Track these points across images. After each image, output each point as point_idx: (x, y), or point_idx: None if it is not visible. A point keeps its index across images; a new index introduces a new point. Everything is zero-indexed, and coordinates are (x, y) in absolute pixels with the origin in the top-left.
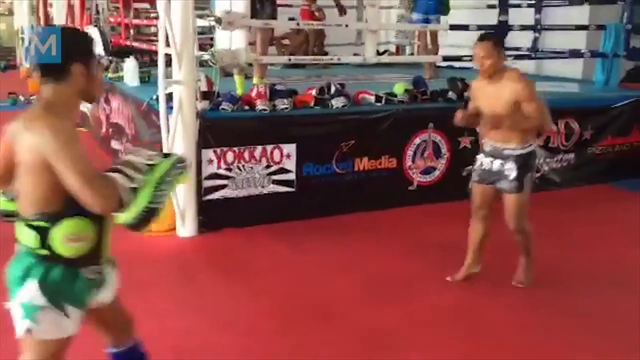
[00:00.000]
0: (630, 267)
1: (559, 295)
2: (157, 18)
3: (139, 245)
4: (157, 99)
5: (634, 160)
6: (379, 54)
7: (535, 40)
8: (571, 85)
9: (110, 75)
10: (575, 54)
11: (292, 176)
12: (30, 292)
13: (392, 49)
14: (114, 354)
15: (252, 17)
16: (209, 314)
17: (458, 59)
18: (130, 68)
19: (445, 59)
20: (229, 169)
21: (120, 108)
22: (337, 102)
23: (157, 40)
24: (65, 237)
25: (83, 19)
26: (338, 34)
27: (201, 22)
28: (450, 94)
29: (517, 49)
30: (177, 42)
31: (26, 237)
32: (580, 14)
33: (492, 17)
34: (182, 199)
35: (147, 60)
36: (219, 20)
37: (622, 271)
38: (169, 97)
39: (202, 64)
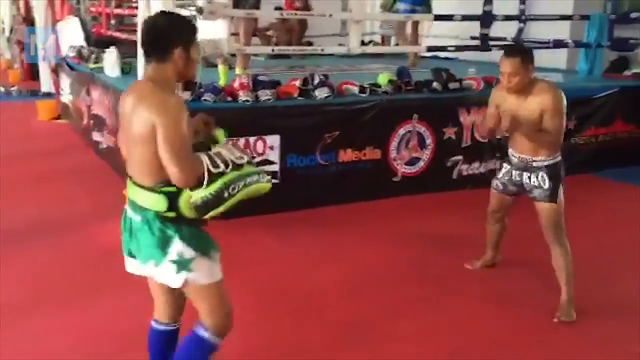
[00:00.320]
0: (615, 257)
1: (539, 286)
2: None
3: (119, 239)
4: None
5: (617, 150)
6: (364, 44)
7: (520, 30)
8: (555, 75)
9: (91, 65)
10: (559, 44)
11: (276, 168)
12: (177, 248)
13: (378, 39)
14: (164, 331)
15: (234, 7)
16: (190, 307)
17: (442, 49)
18: (110, 59)
19: (430, 49)
20: None
21: (101, 99)
22: (321, 93)
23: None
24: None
25: (64, 9)
26: (323, 25)
27: (182, 12)
28: (435, 85)
29: (501, 39)
30: None
31: (154, 202)
32: (565, 4)
33: (477, 7)
34: None
35: (130, 51)
36: (200, 10)
37: (608, 261)
38: None
39: None
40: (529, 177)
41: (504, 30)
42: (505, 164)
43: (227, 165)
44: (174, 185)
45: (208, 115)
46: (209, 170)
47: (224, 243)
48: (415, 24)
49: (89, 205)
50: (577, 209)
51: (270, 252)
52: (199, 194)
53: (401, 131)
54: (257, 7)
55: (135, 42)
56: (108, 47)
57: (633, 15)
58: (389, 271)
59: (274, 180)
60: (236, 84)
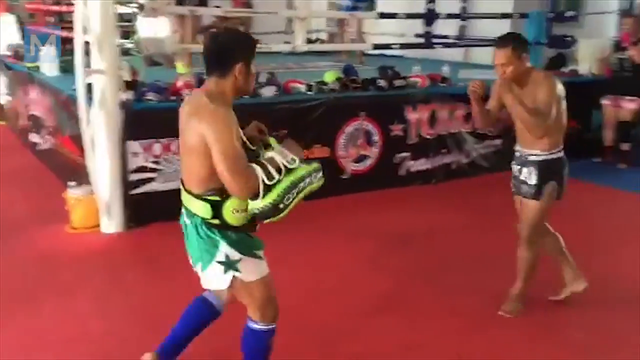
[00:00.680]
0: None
1: (491, 278)
2: None
3: (62, 243)
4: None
5: (565, 144)
6: (310, 42)
7: (462, 28)
8: (494, 72)
9: (28, 65)
10: None
11: None
12: (224, 251)
13: (324, 36)
14: (210, 304)
15: (178, 4)
16: (136, 314)
17: (388, 46)
18: (47, 57)
19: (376, 47)
20: (157, 162)
21: (40, 99)
22: (267, 92)
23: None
24: (234, 209)
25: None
26: (267, 22)
27: (122, 9)
28: (381, 82)
29: (445, 36)
30: (97, 29)
31: (200, 209)
32: (505, 3)
33: (420, 6)
34: (106, 194)
35: (70, 49)
36: (141, 7)
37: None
38: (92, 87)
39: (125, 52)
40: (522, 172)
41: (446, 28)
42: (512, 162)
43: (280, 172)
44: (219, 195)
45: (261, 123)
46: (264, 182)
47: (170, 246)
48: (359, 21)
49: (27, 208)
50: None
51: None
52: (256, 205)
53: (349, 129)
54: (204, 4)
55: (72, 40)
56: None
57: (568, 13)
58: (343, 269)
59: None
60: (180, 83)
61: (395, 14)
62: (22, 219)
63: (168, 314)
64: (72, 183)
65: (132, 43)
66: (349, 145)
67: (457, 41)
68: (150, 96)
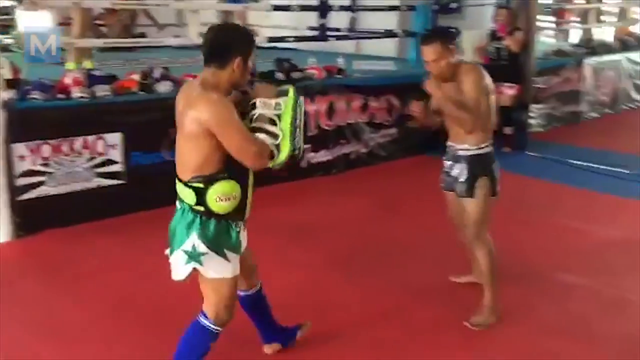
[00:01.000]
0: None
1: (401, 264)
2: None
3: None
4: None
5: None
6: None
7: (353, 20)
8: (389, 63)
9: None
10: (390, 33)
11: (119, 167)
12: (193, 241)
13: None
14: (245, 297)
15: None
16: (31, 324)
17: (283, 39)
18: None
19: (271, 40)
20: (46, 164)
21: None
22: (163, 87)
23: None
24: (218, 197)
25: None
26: (158, 15)
27: (1, 2)
28: (278, 75)
29: (337, 29)
30: None
31: (186, 195)
32: None
33: None
34: None
35: None
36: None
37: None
38: None
39: (4, 49)
40: (453, 168)
41: (338, 20)
42: (444, 156)
43: (274, 124)
44: (203, 182)
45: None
46: (275, 144)
47: (65, 253)
48: (243, 15)
49: None
50: (416, 187)
51: (118, 258)
52: (278, 161)
53: None
54: None
55: None
56: None
57: (453, 5)
58: None
59: (117, 182)
60: (68, 80)
61: (289, 6)
62: None
63: (67, 322)
64: None
65: (11, 38)
66: None
67: (350, 33)
68: (35, 95)
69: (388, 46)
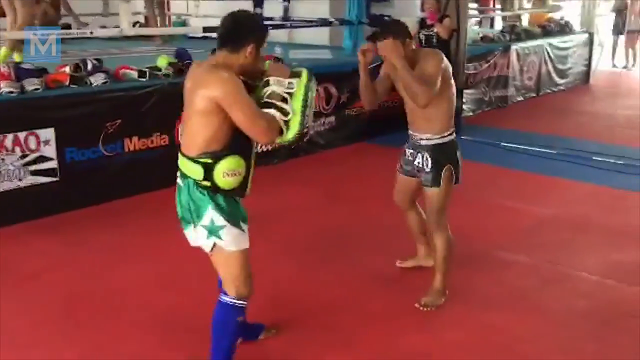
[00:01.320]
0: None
1: (353, 249)
2: None
3: None
4: None
5: (384, 118)
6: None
7: (286, 9)
8: (324, 51)
9: None
10: (325, 22)
11: (53, 164)
12: (210, 216)
13: (141, 19)
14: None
15: None
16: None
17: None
18: None
19: (206, 29)
20: None
21: None
22: (97, 80)
23: None
24: (225, 172)
25: None
26: (82, 5)
27: None
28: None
29: (270, 18)
30: None
31: (193, 171)
32: None
33: None
34: None
35: None
36: None
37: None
38: None
39: None
40: (416, 156)
41: (271, 10)
42: (405, 145)
43: (285, 101)
44: (212, 157)
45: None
46: (284, 121)
47: (1, 255)
48: (162, 4)
49: None
50: (356, 174)
51: (59, 257)
52: (284, 139)
53: None
54: None
55: None
56: None
57: None
58: (203, 259)
59: (52, 179)
60: None
61: None
62: None
63: (14, 327)
64: None
65: None
66: None
67: (285, 22)
68: None
69: (321, 35)
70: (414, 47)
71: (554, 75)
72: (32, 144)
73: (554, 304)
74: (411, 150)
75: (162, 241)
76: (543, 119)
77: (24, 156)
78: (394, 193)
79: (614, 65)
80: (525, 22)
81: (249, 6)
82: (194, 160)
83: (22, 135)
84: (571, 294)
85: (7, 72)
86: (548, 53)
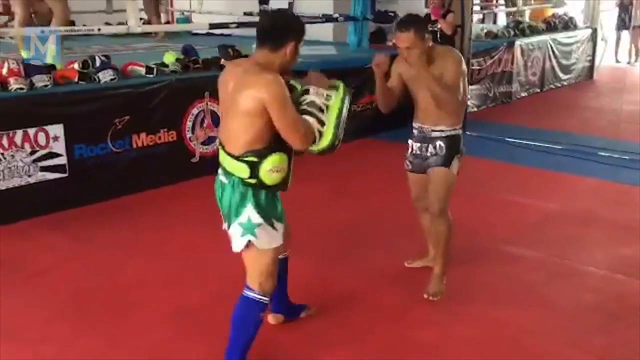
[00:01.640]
0: (399, 206)
1: (360, 245)
2: None
3: None
4: None
5: (389, 114)
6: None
7: (290, 5)
8: (329, 47)
9: None
10: (329, 18)
11: (62, 160)
12: (248, 213)
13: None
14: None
15: None
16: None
17: (225, 26)
18: None
19: (212, 26)
20: None
21: None
22: (105, 76)
23: None
24: (270, 169)
25: None
26: (86, 2)
27: None
28: (223, 62)
29: None
30: None
31: (238, 169)
32: None
33: None
34: None
35: None
36: None
37: (391, 211)
38: None
39: None
40: (427, 148)
41: (275, 6)
42: (409, 140)
43: (322, 112)
44: (257, 156)
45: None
46: (319, 131)
47: (11, 251)
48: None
49: None
50: (363, 169)
51: (69, 253)
52: (316, 148)
53: (194, 111)
54: None
55: None
56: None
57: None
58: (203, 255)
59: (61, 175)
60: (4, 70)
61: None
62: None
63: (26, 322)
64: None
65: None
66: (196, 127)
67: None
68: None
69: (325, 31)
70: (430, 43)
71: (558, 70)
72: (42, 140)
73: (561, 298)
74: (419, 144)
75: (170, 236)
76: (548, 114)
77: (33, 152)
78: (411, 193)
79: (617, 61)
80: (526, 17)
81: (249, 3)
82: (238, 159)
83: (31, 131)
84: (579, 288)
85: (16, 69)
86: (552, 49)
